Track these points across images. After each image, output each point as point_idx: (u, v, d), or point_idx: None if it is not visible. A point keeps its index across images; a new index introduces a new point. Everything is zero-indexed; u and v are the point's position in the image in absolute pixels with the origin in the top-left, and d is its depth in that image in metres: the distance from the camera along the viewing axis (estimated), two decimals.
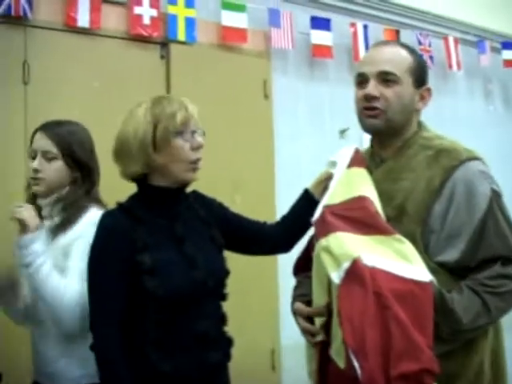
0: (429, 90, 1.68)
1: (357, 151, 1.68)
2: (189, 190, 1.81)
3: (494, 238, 1.51)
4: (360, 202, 1.52)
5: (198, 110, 1.69)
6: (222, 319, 1.75)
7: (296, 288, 1.80)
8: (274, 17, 3.94)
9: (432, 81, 1.74)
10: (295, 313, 1.70)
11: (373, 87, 1.59)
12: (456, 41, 4.89)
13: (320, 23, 4.13)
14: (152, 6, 3.46)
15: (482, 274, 1.50)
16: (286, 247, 1.93)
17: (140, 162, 1.62)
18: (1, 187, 2.91)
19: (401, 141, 1.66)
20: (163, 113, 1.62)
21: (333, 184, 1.64)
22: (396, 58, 1.62)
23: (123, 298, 1.58)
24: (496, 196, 1.56)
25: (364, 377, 1.30)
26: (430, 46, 4.70)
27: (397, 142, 1.66)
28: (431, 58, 4.68)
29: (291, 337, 3.19)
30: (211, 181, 3.45)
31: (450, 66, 4.91)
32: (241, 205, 1.92)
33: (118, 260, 1.58)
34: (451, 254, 1.52)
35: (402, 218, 1.57)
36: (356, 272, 1.37)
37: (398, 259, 1.40)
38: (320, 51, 4.13)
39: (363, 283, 1.34)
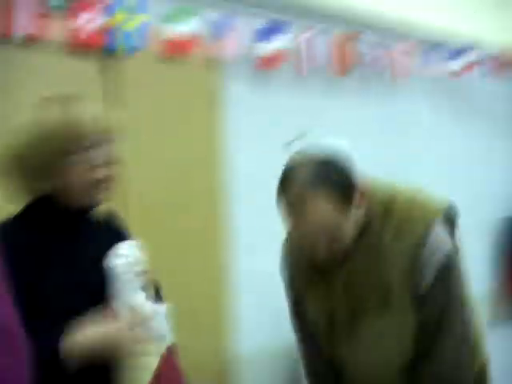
0: (361, 193, 1.42)
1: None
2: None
3: None
4: None
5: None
6: None
7: None
8: (220, 26, 3.85)
9: None
10: None
11: (322, 252, 1.44)
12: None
13: (266, 32, 4.07)
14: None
15: None
16: None
17: None
18: None
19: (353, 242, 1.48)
20: None
21: None
22: (325, 224, 1.38)
23: None
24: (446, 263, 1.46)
25: None
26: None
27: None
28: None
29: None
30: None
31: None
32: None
33: None
34: None
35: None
36: None
37: None
38: (266, 61, 4.02)
39: None
